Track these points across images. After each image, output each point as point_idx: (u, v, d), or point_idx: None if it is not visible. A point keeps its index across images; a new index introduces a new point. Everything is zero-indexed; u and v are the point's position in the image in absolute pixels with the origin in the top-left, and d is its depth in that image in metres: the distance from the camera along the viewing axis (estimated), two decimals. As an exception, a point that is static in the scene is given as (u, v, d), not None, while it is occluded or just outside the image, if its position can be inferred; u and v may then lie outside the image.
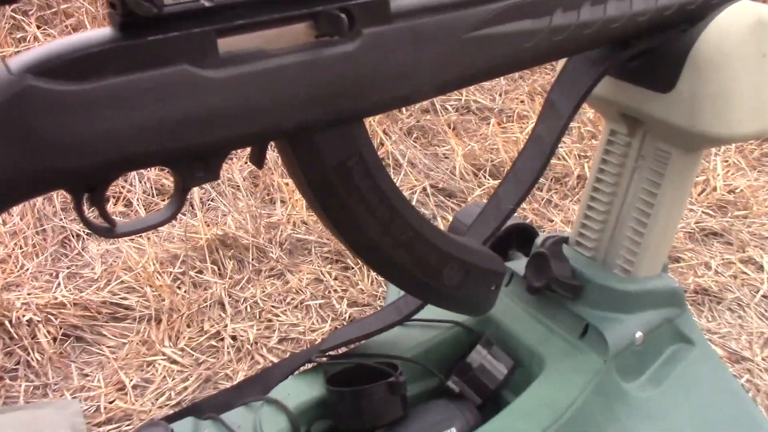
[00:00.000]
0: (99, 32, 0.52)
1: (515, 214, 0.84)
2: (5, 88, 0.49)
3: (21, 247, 1.33)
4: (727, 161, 1.68)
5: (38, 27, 1.77)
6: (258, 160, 0.63)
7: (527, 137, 0.82)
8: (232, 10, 0.55)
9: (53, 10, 1.94)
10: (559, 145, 1.65)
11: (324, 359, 0.86)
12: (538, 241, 0.91)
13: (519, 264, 0.93)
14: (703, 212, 1.49)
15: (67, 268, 1.30)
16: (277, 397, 0.83)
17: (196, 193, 1.44)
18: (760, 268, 1.33)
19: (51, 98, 0.50)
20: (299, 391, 0.85)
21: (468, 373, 0.85)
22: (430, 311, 0.96)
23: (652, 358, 0.86)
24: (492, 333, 0.89)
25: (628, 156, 0.87)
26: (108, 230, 0.59)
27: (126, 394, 1.05)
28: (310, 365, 0.89)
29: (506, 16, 0.66)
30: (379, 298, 1.23)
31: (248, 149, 0.64)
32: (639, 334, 0.84)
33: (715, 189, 1.56)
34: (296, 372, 0.89)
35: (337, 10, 0.58)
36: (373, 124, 1.71)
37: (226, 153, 0.59)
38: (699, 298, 1.26)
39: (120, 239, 1.34)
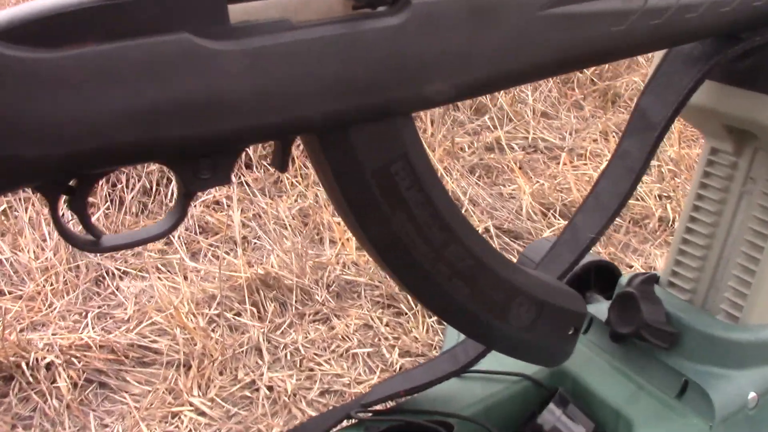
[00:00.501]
0: (85, -7, 0.41)
1: (591, 252, 0.70)
2: (-42, 55, 0.38)
3: (51, 284, 1.24)
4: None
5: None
6: (281, 161, 0.51)
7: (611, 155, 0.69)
8: (246, -32, 0.44)
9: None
10: (641, 184, 1.50)
11: (366, 415, 0.73)
12: (623, 280, 0.76)
13: (600, 307, 0.78)
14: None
15: (98, 307, 1.20)
16: (310, 459, 0.70)
17: (237, 230, 1.34)
18: None
19: (16, 68, 0.39)
20: (336, 452, 0.71)
21: (539, 437, 0.70)
22: (494, 361, 0.82)
23: (769, 425, 0.70)
24: (568, 389, 0.74)
25: (734, 179, 0.73)
26: (92, 243, 0.48)
27: (146, 448, 0.93)
28: (349, 422, 0.75)
29: (591, -9, 0.53)
30: (435, 348, 1.09)
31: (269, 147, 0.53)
32: (753, 394, 0.68)
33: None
34: (334, 429, 0.75)
35: (381, -26, 0.46)
36: (433, 160, 1.59)
37: (238, 150, 0.48)
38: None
39: (153, 277, 1.24)
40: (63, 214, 0.47)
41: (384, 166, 0.51)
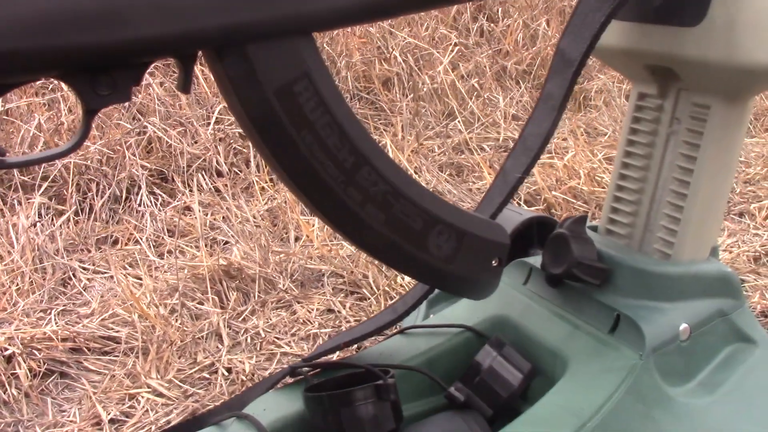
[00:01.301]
0: None
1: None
2: None
3: (17, 285, 1.24)
4: (794, 187, 1.51)
5: None
6: (183, 80, 0.52)
7: (537, 99, 0.70)
8: None
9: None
10: (603, 175, 1.51)
11: (303, 365, 0.73)
12: (558, 224, 0.77)
13: (538, 260, 0.79)
14: (769, 236, 1.32)
15: (63, 305, 1.21)
16: (252, 413, 0.70)
17: (200, 225, 1.34)
18: (839, 290, 1.15)
19: None
20: (277, 405, 0.71)
21: (475, 378, 0.70)
22: (438, 318, 0.82)
23: (705, 358, 0.70)
24: (509, 337, 0.74)
25: (661, 121, 0.74)
26: (-5, 160, 0.49)
27: (102, 428, 0.93)
28: (292, 379, 0.75)
29: None
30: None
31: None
32: (684, 326, 0.68)
33: (781, 213, 1.39)
34: (278, 386, 0.75)
35: None
36: (402, 161, 1.60)
37: (135, 63, 0.49)
38: (767, 321, 1.08)
39: (117, 273, 1.24)
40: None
41: (286, 84, 0.52)
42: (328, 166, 0.55)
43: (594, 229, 0.80)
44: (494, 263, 0.64)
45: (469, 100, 1.93)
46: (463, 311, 0.80)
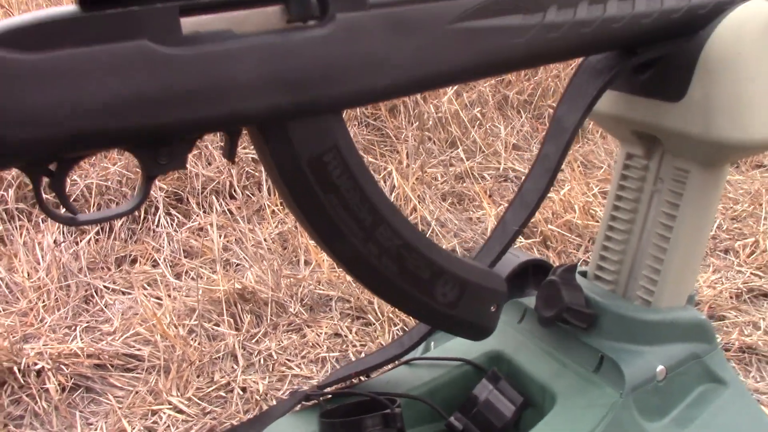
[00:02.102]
0: (63, 7, 0.51)
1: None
2: (-41, 55, 0.48)
3: (43, 302, 1.32)
4: (778, 225, 1.59)
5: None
6: (229, 151, 0.60)
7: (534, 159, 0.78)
8: (197, -12, 0.54)
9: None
10: (597, 208, 1.59)
11: (319, 394, 0.81)
12: (552, 271, 0.85)
13: (533, 300, 0.87)
14: (751, 273, 1.40)
15: (87, 322, 1.29)
16: (270, 435, 0.78)
17: (217, 249, 1.43)
18: (814, 328, 1.23)
19: (6, 66, 0.48)
20: (293, 428, 0.79)
21: (473, 409, 0.78)
22: (440, 351, 0.90)
23: (678, 397, 0.78)
24: (503, 371, 0.83)
25: (646, 180, 0.82)
26: (70, 219, 0.57)
27: (126, 442, 1.01)
28: (308, 403, 0.83)
29: (494, 8, 0.63)
30: (400, 353, 1.17)
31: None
32: (660, 368, 0.76)
33: (765, 251, 1.47)
34: (293, 411, 0.83)
35: (309, -6, 0.56)
36: (406, 190, 1.69)
37: (191, 138, 0.57)
38: (746, 357, 1.17)
39: (138, 293, 1.32)
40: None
41: (317, 155, 0.60)
42: (350, 224, 0.63)
43: (584, 274, 0.88)
44: (492, 309, 0.72)
45: (471, 129, 2.01)
46: (463, 345, 0.87)
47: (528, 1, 0.64)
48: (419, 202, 1.66)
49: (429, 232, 1.53)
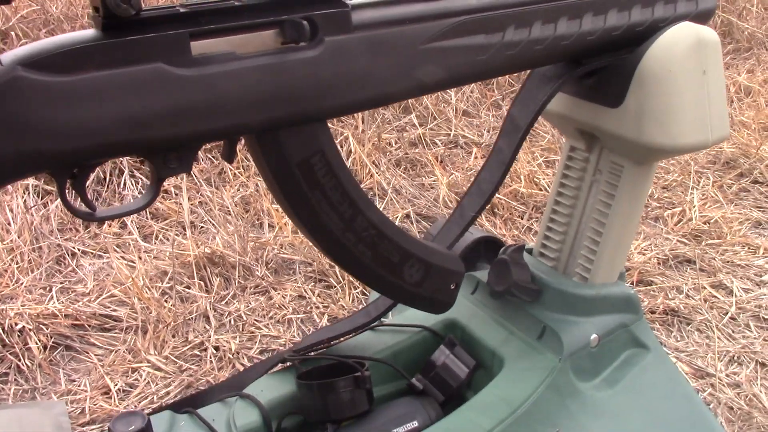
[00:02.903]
0: (84, 33, 0.59)
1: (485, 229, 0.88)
2: (-3, 78, 0.55)
3: (17, 263, 1.38)
4: (704, 195, 1.74)
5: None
6: (228, 155, 0.69)
7: (489, 152, 0.88)
8: (204, 16, 0.61)
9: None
10: (541, 177, 1.71)
11: (296, 358, 0.91)
12: (501, 250, 0.96)
13: (485, 274, 0.97)
14: (678, 240, 1.54)
15: (61, 283, 1.35)
16: (251, 393, 0.88)
17: (186, 215, 1.50)
18: (730, 292, 1.37)
19: (37, 87, 0.56)
20: (272, 387, 0.89)
21: (431, 371, 0.89)
22: (401, 318, 1.01)
23: (608, 360, 0.90)
24: (458, 337, 0.94)
25: (587, 170, 0.93)
26: (89, 214, 0.65)
27: (110, 397, 1.09)
28: (283, 365, 0.93)
29: (460, 30, 0.72)
30: (359, 315, 1.27)
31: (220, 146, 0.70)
32: (594, 336, 0.88)
33: (690, 219, 1.61)
34: (271, 371, 0.93)
35: (301, 19, 0.64)
36: (362, 156, 1.77)
37: (197, 146, 0.65)
38: (669, 318, 1.30)
39: (113, 256, 1.40)
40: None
41: (305, 158, 0.69)
42: (332, 216, 0.72)
43: (529, 251, 0.99)
44: (452, 287, 0.82)
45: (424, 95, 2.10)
46: (422, 314, 0.98)
47: (490, 23, 0.74)
48: (375, 168, 1.75)
49: (386, 201, 1.62)
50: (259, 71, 0.63)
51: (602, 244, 0.91)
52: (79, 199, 0.64)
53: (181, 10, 0.61)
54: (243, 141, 0.69)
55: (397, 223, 1.53)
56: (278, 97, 0.64)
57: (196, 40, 0.61)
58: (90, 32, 0.59)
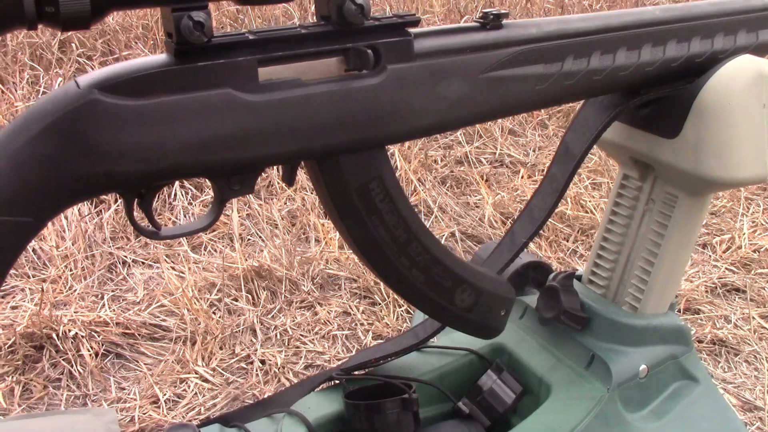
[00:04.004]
0: (157, 57, 0.60)
1: (533, 254, 0.89)
2: (74, 100, 0.57)
3: (71, 270, 1.41)
4: (754, 222, 1.71)
5: (100, 70, 1.89)
6: (289, 178, 0.70)
7: (542, 178, 0.88)
8: (272, 43, 0.63)
9: (115, 56, 2.08)
10: (588, 199, 1.70)
11: (344, 377, 0.92)
12: (551, 276, 0.96)
13: (533, 298, 0.98)
14: (726, 268, 1.52)
15: (112, 291, 1.38)
16: (299, 410, 0.89)
17: (235, 227, 1.52)
18: (780, 323, 1.35)
19: (112, 110, 0.58)
20: (319, 405, 0.90)
21: (478, 395, 0.89)
22: (448, 339, 1.01)
23: (656, 391, 0.90)
24: (504, 361, 0.94)
25: (639, 199, 0.93)
26: (154, 233, 0.67)
27: (159, 406, 1.11)
28: (331, 383, 0.94)
29: (520, 59, 0.73)
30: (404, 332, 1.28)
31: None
32: (643, 366, 0.88)
33: (740, 247, 1.59)
34: (318, 389, 0.94)
35: (365, 47, 0.65)
36: (408, 172, 1.78)
37: (261, 169, 0.67)
38: (717, 348, 1.29)
39: (163, 266, 1.42)
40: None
41: (364, 183, 0.70)
42: (387, 240, 0.73)
43: (578, 277, 0.99)
44: (502, 313, 0.83)
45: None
46: (470, 337, 0.98)
47: (549, 53, 0.74)
48: (420, 185, 1.76)
49: (431, 219, 1.63)
50: (323, 98, 0.64)
51: (654, 274, 0.90)
52: (146, 218, 0.66)
53: (250, 37, 0.62)
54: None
55: (442, 242, 1.56)
56: (341, 124, 0.66)
57: (264, 66, 0.63)
58: (162, 57, 0.60)
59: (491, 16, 0.73)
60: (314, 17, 0.69)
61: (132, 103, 0.58)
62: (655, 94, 0.83)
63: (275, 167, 1.86)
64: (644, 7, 0.84)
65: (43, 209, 0.58)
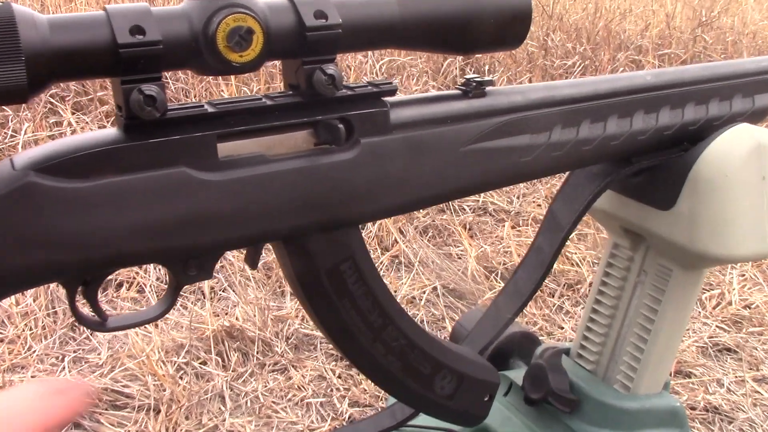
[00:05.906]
0: (104, 132, 0.54)
1: (520, 320, 0.83)
2: (7, 183, 0.50)
3: (31, 329, 1.34)
4: (743, 275, 1.67)
5: (73, 113, 1.83)
6: (252, 261, 0.64)
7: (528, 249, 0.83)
8: (233, 116, 0.57)
9: (89, 96, 2.02)
10: (574, 252, 1.65)
11: (314, 462, 0.85)
12: (538, 351, 0.90)
13: (519, 373, 0.91)
14: (717, 326, 1.47)
15: (74, 351, 1.31)
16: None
17: (207, 283, 1.45)
18: (774, 388, 1.30)
19: (50, 195, 0.51)
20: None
21: (460, 484, 0.83)
22: (428, 418, 0.95)
23: (651, 477, 0.84)
24: (488, 443, 0.87)
25: (631, 270, 0.87)
26: (99, 324, 0.60)
27: (117, 485, 1.04)
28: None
29: (504, 130, 0.67)
30: (382, 399, 1.22)
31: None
32: (636, 453, 0.82)
33: (730, 303, 1.54)
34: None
35: (335, 120, 0.60)
36: (388, 223, 1.73)
37: (220, 253, 0.60)
38: (710, 416, 1.23)
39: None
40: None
41: (335, 265, 0.64)
42: (360, 326, 0.67)
43: (567, 351, 0.93)
44: (485, 399, 0.76)
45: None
46: (451, 415, 0.92)
47: (536, 122, 0.69)
48: (400, 236, 1.70)
49: (412, 273, 1.57)
50: (289, 175, 0.58)
51: (647, 351, 0.84)
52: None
53: (209, 109, 0.56)
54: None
55: (423, 298, 1.50)
56: (310, 203, 0.60)
57: (224, 141, 0.57)
58: (110, 132, 0.54)
59: (473, 83, 0.67)
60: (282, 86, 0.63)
61: (74, 185, 0.52)
62: (648, 163, 0.78)
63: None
64: (634, 72, 0.79)
65: None
